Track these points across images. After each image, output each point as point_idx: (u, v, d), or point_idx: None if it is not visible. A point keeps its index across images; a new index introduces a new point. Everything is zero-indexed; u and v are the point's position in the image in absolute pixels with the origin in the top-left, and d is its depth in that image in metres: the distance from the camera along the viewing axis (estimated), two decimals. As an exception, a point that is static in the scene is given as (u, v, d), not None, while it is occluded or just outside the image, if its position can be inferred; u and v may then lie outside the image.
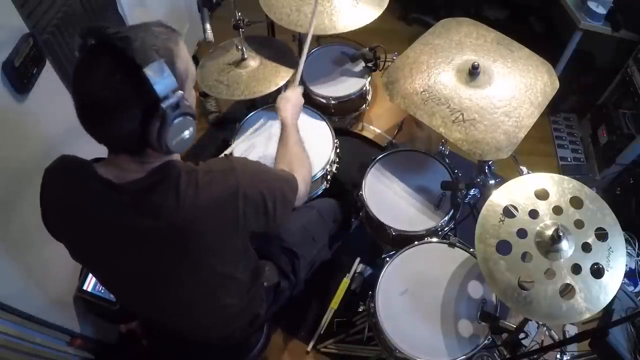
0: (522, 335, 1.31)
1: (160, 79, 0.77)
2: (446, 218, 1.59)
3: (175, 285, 1.02)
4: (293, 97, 1.47)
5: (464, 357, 1.31)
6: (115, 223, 0.90)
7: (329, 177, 1.72)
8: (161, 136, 0.81)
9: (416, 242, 1.53)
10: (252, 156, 1.71)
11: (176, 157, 0.96)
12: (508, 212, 1.24)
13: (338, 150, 1.73)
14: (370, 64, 1.89)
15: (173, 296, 1.06)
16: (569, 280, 1.12)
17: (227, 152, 1.58)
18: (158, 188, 0.88)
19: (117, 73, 0.77)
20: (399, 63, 1.61)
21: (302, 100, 1.52)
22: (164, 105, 0.78)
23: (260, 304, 1.29)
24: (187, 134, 0.86)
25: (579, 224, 1.20)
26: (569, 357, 1.40)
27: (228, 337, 1.25)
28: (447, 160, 1.73)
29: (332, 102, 1.88)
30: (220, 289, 1.09)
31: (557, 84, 1.50)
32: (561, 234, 1.14)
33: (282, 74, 1.75)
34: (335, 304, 1.88)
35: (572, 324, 1.66)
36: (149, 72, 0.75)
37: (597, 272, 1.13)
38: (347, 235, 1.83)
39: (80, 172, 0.91)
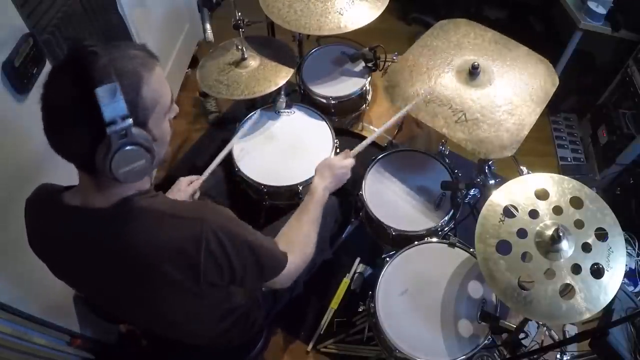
0: (522, 335, 1.31)
1: (109, 103, 0.73)
2: (446, 218, 1.59)
3: (148, 312, 1.03)
4: (337, 167, 1.32)
5: (464, 357, 1.31)
6: (81, 250, 0.91)
7: (329, 177, 1.72)
8: (105, 162, 0.77)
9: (416, 242, 1.53)
10: (251, 157, 1.71)
11: (145, 186, 0.92)
12: (508, 212, 1.24)
13: (338, 150, 1.73)
14: (370, 64, 1.89)
15: (148, 319, 1.08)
16: (569, 280, 1.12)
17: (224, 151, 1.56)
18: (120, 224, 0.86)
19: (74, 88, 0.75)
20: (399, 66, 1.61)
21: (349, 175, 1.35)
22: (108, 130, 0.74)
23: (257, 310, 1.28)
24: (136, 165, 0.80)
25: (579, 224, 1.20)
26: (569, 357, 1.40)
27: (224, 343, 1.25)
28: (447, 160, 1.73)
29: (332, 102, 1.88)
30: (194, 320, 1.08)
31: (556, 80, 1.51)
32: (561, 234, 1.14)
33: (282, 74, 1.76)
34: (335, 304, 1.88)
35: (572, 324, 1.66)
36: (100, 92, 0.72)
37: (597, 272, 1.13)
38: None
39: (50, 202, 0.93)
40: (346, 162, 1.36)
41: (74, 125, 0.77)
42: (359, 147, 1.44)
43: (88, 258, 0.92)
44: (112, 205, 0.87)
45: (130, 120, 0.76)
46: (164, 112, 0.88)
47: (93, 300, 1.14)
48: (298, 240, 1.16)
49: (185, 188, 1.40)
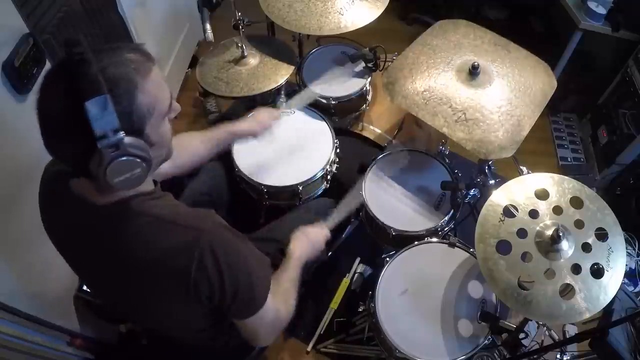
0: (522, 335, 1.31)
1: (99, 116, 0.71)
2: (446, 218, 1.59)
3: (142, 312, 1.03)
4: (313, 235, 1.34)
5: (464, 357, 1.31)
6: (83, 241, 0.92)
7: (329, 177, 1.72)
8: (99, 172, 0.76)
9: (416, 242, 1.53)
10: (251, 157, 1.70)
11: (147, 187, 0.90)
12: (508, 212, 1.24)
13: (338, 150, 1.73)
14: (370, 64, 1.89)
15: (143, 319, 1.09)
16: (569, 280, 1.12)
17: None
18: (115, 224, 0.85)
19: (65, 98, 0.73)
20: (399, 64, 1.61)
21: (322, 245, 1.37)
22: (99, 144, 0.73)
23: None
24: (132, 174, 0.79)
25: (579, 224, 1.20)
26: (569, 357, 1.40)
27: (222, 344, 1.24)
28: (447, 160, 1.73)
29: (332, 102, 1.88)
30: (182, 326, 1.07)
31: (554, 83, 1.51)
32: (561, 234, 1.14)
33: (282, 72, 1.76)
34: (335, 304, 1.88)
35: (572, 324, 1.66)
36: (90, 106, 0.70)
37: (597, 272, 1.13)
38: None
39: (57, 187, 0.92)
40: (321, 232, 1.38)
41: (66, 134, 0.76)
42: (335, 219, 1.47)
43: (89, 250, 0.92)
44: (111, 204, 0.86)
45: (122, 133, 0.75)
46: (162, 115, 0.85)
47: (97, 294, 1.14)
48: (279, 292, 1.11)
49: (263, 119, 1.49)
